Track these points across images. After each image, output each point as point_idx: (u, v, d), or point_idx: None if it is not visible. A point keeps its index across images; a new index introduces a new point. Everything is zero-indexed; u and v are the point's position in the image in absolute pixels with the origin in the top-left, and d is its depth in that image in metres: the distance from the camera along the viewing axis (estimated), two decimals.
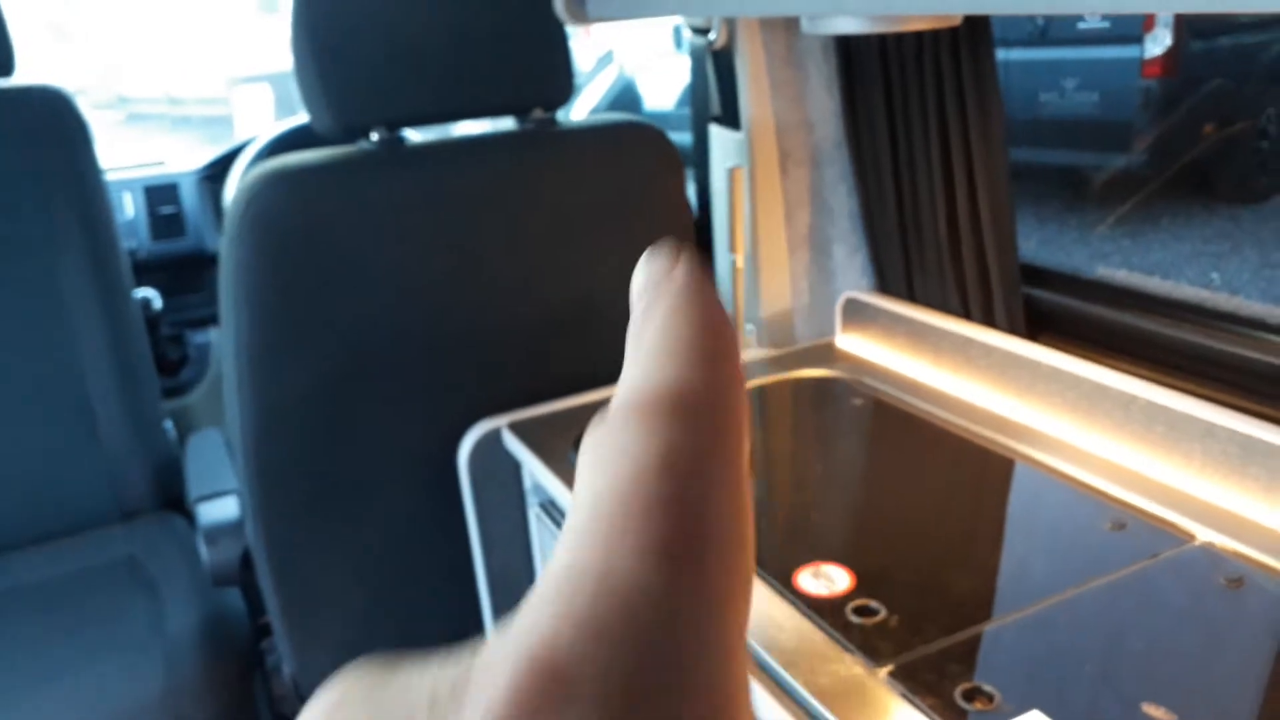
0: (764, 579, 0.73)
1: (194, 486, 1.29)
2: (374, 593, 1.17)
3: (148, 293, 1.79)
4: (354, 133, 1.05)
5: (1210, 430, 0.79)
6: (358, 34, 1.02)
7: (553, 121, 1.13)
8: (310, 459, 1.08)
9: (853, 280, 1.21)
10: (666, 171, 1.17)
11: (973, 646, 0.64)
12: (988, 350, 0.99)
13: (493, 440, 1.07)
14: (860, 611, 0.68)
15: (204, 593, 1.33)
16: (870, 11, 0.61)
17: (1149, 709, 0.56)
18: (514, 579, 1.12)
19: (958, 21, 0.89)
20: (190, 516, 1.50)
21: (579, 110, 4.51)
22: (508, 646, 0.13)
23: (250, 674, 1.27)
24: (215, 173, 2.01)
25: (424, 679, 0.14)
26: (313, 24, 1.01)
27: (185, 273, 2.00)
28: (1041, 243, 4.62)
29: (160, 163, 2.10)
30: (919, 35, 1.02)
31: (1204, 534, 0.74)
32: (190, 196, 2.00)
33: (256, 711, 1.27)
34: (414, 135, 1.27)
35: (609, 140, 1.16)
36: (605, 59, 4.73)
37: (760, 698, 0.63)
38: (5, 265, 1.46)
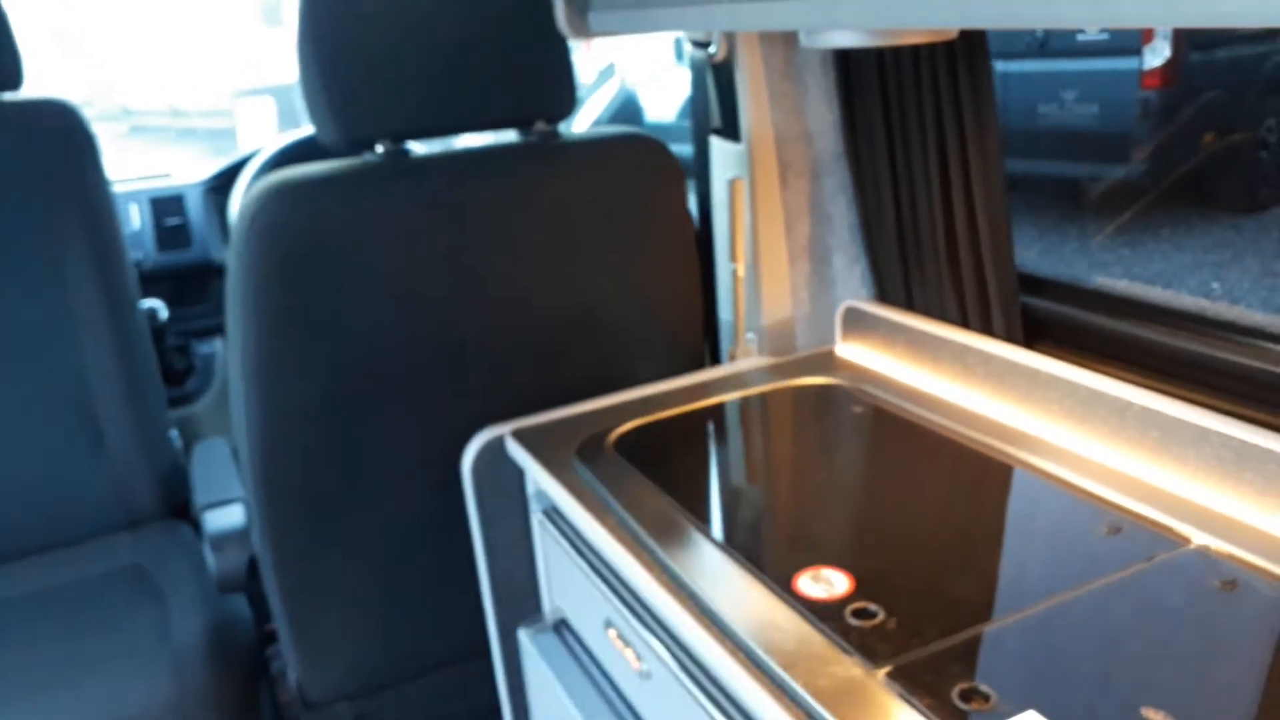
0: (764, 583, 0.74)
1: (200, 494, 1.31)
2: (379, 599, 1.18)
3: (154, 303, 1.81)
4: (359, 145, 1.07)
5: (1204, 435, 0.80)
6: (362, 48, 1.04)
7: (555, 134, 1.15)
8: (316, 467, 1.09)
9: (852, 289, 1.23)
10: (667, 183, 1.19)
11: (970, 648, 0.65)
12: (986, 358, 1.00)
13: (496, 448, 1.08)
14: (859, 614, 0.69)
15: (210, 600, 1.34)
16: (865, 25, 0.63)
17: (1148, 712, 0.57)
18: (517, 586, 1.13)
19: (954, 35, 0.90)
20: (196, 524, 1.51)
21: (581, 122, 4.55)
22: None
23: (256, 681, 1.28)
24: (220, 184, 2.03)
25: None
26: (318, 38, 1.03)
27: (191, 283, 2.02)
28: (1043, 252, 4.64)
29: (166, 175, 2.13)
30: (916, 49, 1.04)
31: (1199, 537, 0.75)
32: (196, 208, 2.02)
33: (262, 718, 1.28)
34: (418, 147, 1.29)
35: (610, 152, 1.17)
36: (607, 72, 4.76)
37: (761, 699, 0.64)
38: (13, 277, 1.47)
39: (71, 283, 1.49)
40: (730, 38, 1.18)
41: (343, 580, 1.16)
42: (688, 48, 1.28)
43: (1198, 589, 0.70)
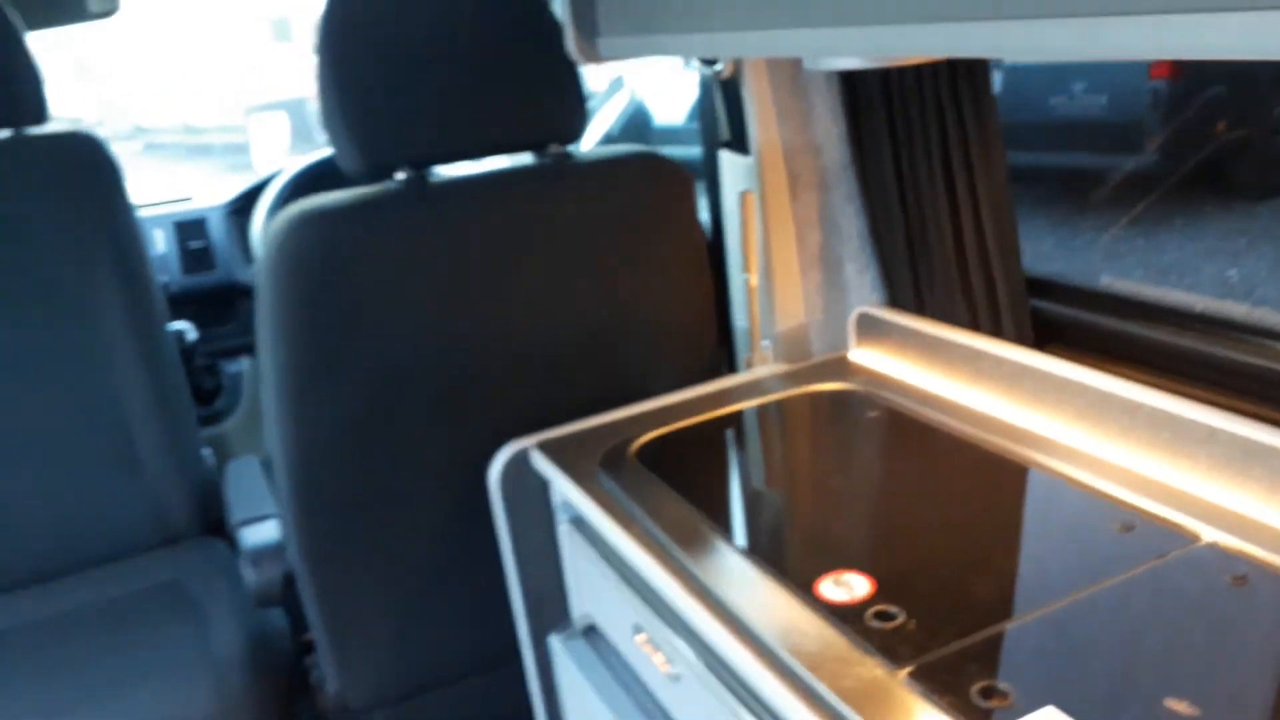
0: (786, 587, 0.76)
1: (235, 511, 1.34)
2: (413, 608, 1.22)
3: (182, 325, 1.85)
4: (380, 172, 1.10)
5: (1214, 434, 0.82)
6: (382, 77, 1.08)
7: (568, 155, 1.18)
8: (349, 483, 1.13)
9: (864, 297, 1.25)
10: (677, 198, 1.22)
11: (989, 647, 0.67)
12: (998, 361, 1.02)
13: (521, 461, 1.11)
14: (880, 616, 0.72)
15: (247, 614, 1.38)
16: (867, 54, 0.65)
17: (1171, 703, 0.60)
18: (547, 594, 1.16)
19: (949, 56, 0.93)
20: (230, 541, 1.55)
21: (593, 132, 4.59)
22: None
23: (295, 690, 1.32)
24: (242, 206, 2.08)
25: None
26: (338, 68, 1.07)
27: (216, 304, 2.06)
28: (1056, 245, 4.64)
29: (188, 198, 2.17)
30: (918, 63, 1.06)
31: (1209, 534, 0.78)
32: (219, 230, 2.07)
33: None
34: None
35: (622, 171, 1.20)
36: (616, 84, 4.81)
37: (788, 700, 0.66)
38: (46, 305, 1.52)
39: (102, 308, 1.54)
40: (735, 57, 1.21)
41: (377, 591, 1.19)
42: (696, 65, 1.30)
43: (1210, 584, 0.72)
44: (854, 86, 1.16)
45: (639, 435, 1.07)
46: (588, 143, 1.21)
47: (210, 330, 2.02)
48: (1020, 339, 1.06)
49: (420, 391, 1.13)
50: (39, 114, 1.51)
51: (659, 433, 1.08)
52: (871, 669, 0.66)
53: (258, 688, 1.26)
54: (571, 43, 1.01)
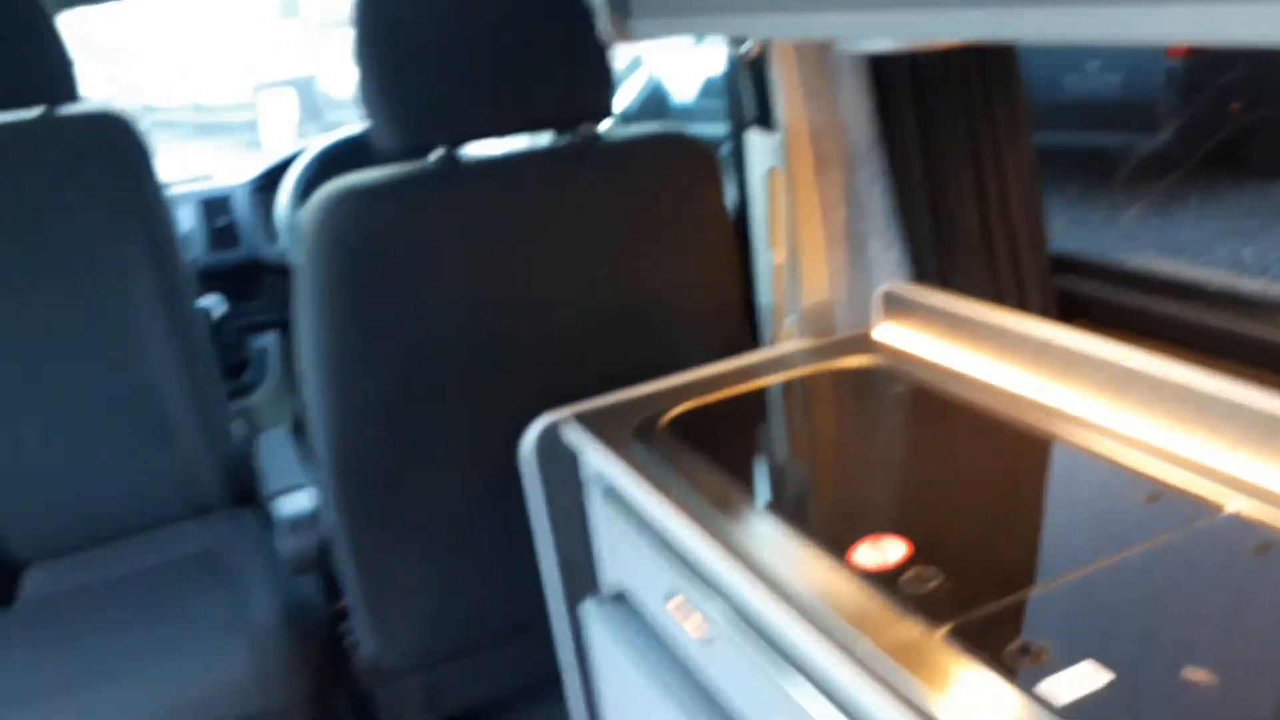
0: (821, 551, 0.79)
1: (270, 482, 1.38)
2: (447, 575, 1.25)
3: (210, 301, 1.88)
4: (416, 150, 1.12)
5: (1238, 408, 0.84)
6: (418, 57, 1.09)
7: (597, 134, 1.20)
8: (386, 454, 1.16)
9: (888, 274, 1.27)
10: (704, 177, 1.24)
11: (1023, 609, 0.70)
12: (1023, 337, 1.04)
13: (553, 433, 1.14)
14: (915, 580, 0.74)
15: (281, 581, 1.41)
16: (900, 38, 0.67)
17: (1190, 673, 0.62)
18: (577, 562, 1.19)
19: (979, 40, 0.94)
20: (261, 511, 1.58)
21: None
22: None
23: (330, 657, 1.35)
24: (265, 184, 2.10)
25: None
26: (376, 48, 1.09)
27: (241, 281, 2.09)
28: (1071, 222, 4.63)
29: (208, 176, 2.20)
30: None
31: (1233, 504, 0.80)
32: (243, 208, 2.09)
33: (338, 691, 1.35)
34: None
35: (649, 151, 1.22)
36: (635, 63, 4.83)
37: (826, 658, 0.69)
38: (78, 282, 1.55)
39: (133, 284, 1.57)
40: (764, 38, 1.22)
41: (412, 558, 1.22)
42: (723, 44, 1.32)
43: (1233, 554, 0.74)
44: (881, 66, 1.17)
45: (668, 409, 1.10)
46: (606, 121, 1.23)
47: (236, 306, 2.05)
48: (1045, 315, 1.08)
49: (455, 366, 1.16)
50: (70, 93, 1.53)
51: (689, 406, 1.10)
52: (910, 628, 0.69)
53: (294, 652, 1.29)
54: (604, 22, 1.03)
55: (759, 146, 1.27)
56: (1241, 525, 0.78)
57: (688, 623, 0.96)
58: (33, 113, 1.54)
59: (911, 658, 0.66)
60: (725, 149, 1.58)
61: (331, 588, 1.42)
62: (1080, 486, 0.86)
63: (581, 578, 1.20)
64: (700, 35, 0.93)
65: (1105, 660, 0.64)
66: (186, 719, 1.24)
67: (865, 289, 1.27)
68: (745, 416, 1.09)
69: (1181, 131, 4.74)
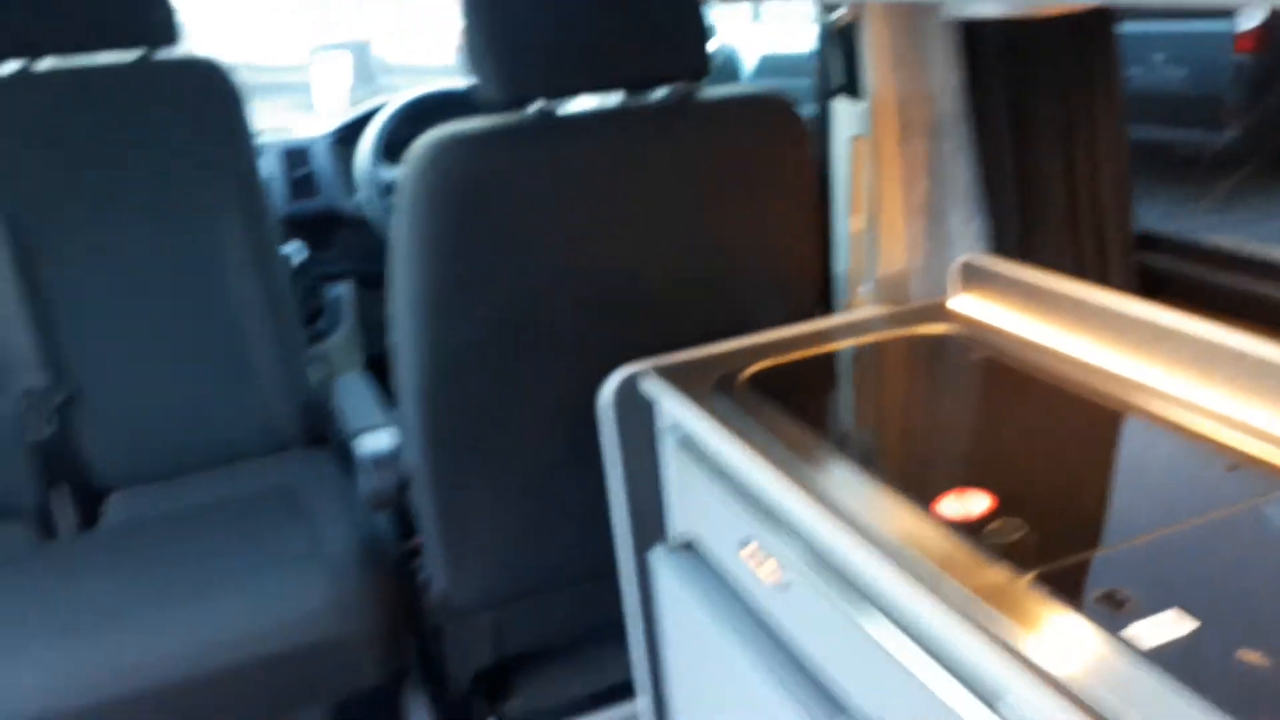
0: (906, 501, 0.82)
1: (351, 421, 1.43)
2: (518, 519, 1.30)
3: (292, 247, 1.94)
4: (516, 102, 1.15)
5: None
6: (523, 11, 1.12)
7: (692, 93, 1.22)
8: (472, 397, 1.20)
9: (967, 246, 1.28)
10: (795, 142, 1.26)
11: (1107, 562, 0.72)
12: (1104, 310, 1.06)
13: (631, 384, 1.17)
14: (999, 531, 0.77)
15: (355, 518, 1.47)
16: (1012, 1, 0.69)
17: (1244, 654, 0.64)
18: (648, 511, 1.22)
19: (1094, 2, 0.95)
20: (334, 452, 1.64)
21: None
22: None
23: (403, 592, 1.41)
24: (345, 137, 2.15)
25: None
26: (482, 5, 1.12)
27: (318, 231, 2.15)
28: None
29: (288, 128, 2.25)
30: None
31: None
32: (322, 159, 2.15)
33: (409, 623, 1.41)
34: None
35: (742, 111, 1.24)
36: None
37: (913, 600, 0.72)
38: (171, 221, 1.61)
39: (223, 227, 1.62)
40: (858, 2, 1.23)
41: (488, 500, 1.27)
42: (816, 10, 1.33)
43: None
44: (973, 36, 1.18)
45: (746, 366, 1.13)
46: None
47: (312, 255, 2.10)
48: (1126, 291, 1.09)
49: (542, 314, 1.20)
50: (169, 36, 1.59)
51: (768, 364, 1.13)
52: (996, 573, 0.71)
53: (369, 584, 1.35)
54: None
55: (844, 114, 1.28)
56: None
57: (762, 569, 0.99)
58: (132, 55, 1.60)
59: (998, 600, 0.69)
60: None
61: (403, 527, 1.47)
62: (1160, 454, 0.88)
63: (650, 526, 1.24)
64: None
65: (1191, 611, 0.66)
66: (263, 642, 1.30)
67: (941, 261, 1.29)
68: (824, 376, 1.12)
69: (1248, 128, 4.64)
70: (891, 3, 1.16)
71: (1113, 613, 0.67)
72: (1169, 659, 0.62)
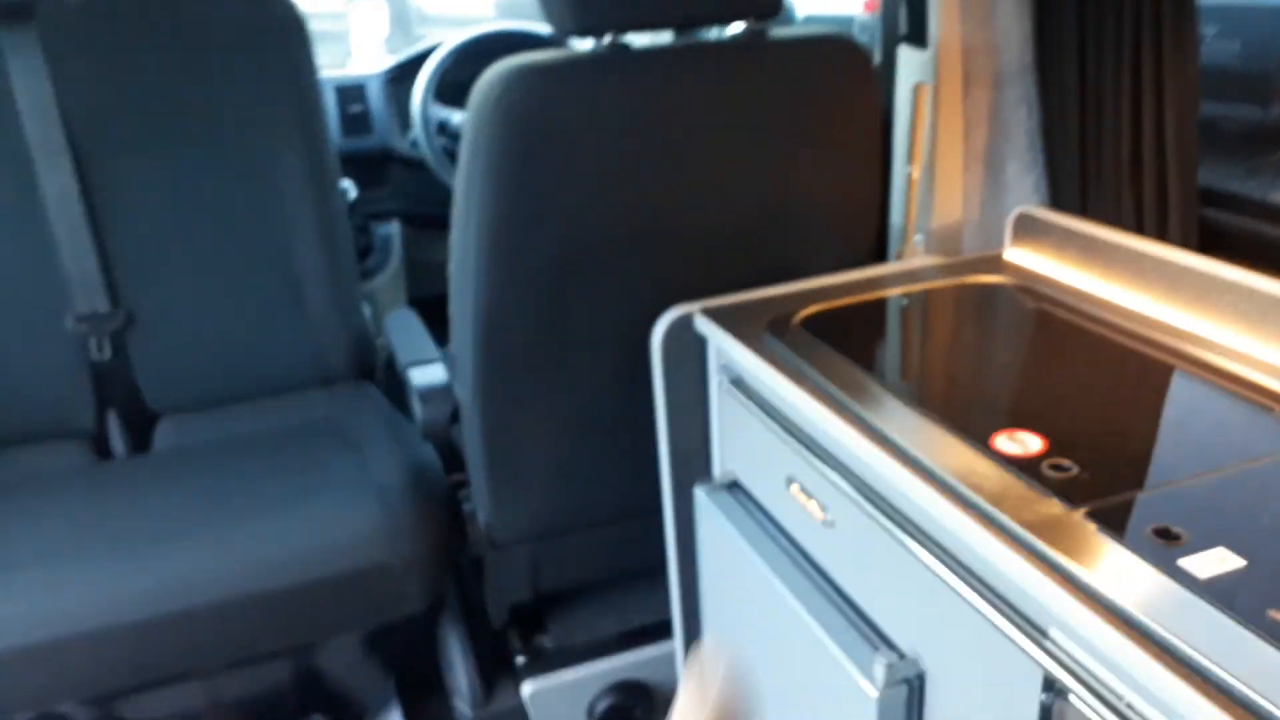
0: (961, 438, 0.83)
1: (403, 354, 1.45)
2: (567, 453, 1.32)
3: (346, 183, 1.95)
4: (586, 34, 1.15)
5: None
6: None
7: (762, 32, 1.21)
8: (528, 329, 1.22)
9: (1023, 198, 1.28)
10: (862, 86, 1.25)
11: (1159, 499, 0.73)
12: (1160, 263, 1.06)
13: (683, 324, 1.19)
14: (1054, 468, 0.78)
15: (402, 449, 1.50)
16: None
17: (1275, 613, 0.64)
18: (693, 450, 1.25)
19: None
20: (382, 386, 1.67)
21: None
22: None
23: (447, 523, 1.44)
24: (399, 76, 2.15)
25: None
26: None
27: (369, 170, 2.16)
28: None
29: (343, 64, 2.26)
30: None
31: None
32: (377, 97, 2.16)
33: (455, 552, 1.45)
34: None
35: (812, 52, 1.23)
36: None
37: (970, 531, 0.74)
38: (233, 149, 1.62)
39: (283, 162, 1.64)
40: None
41: (537, 434, 1.29)
42: None
43: None
44: None
45: (799, 310, 1.14)
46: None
47: (364, 194, 2.12)
48: (1185, 245, 1.09)
49: (599, 250, 1.21)
50: None
51: (821, 307, 1.14)
52: (1050, 507, 0.73)
53: (417, 512, 1.38)
54: None
55: (908, 62, 1.28)
56: None
57: (809, 505, 1.01)
58: None
59: (1052, 532, 0.70)
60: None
61: (449, 462, 1.50)
62: (1212, 401, 0.88)
63: (695, 465, 1.26)
64: None
65: (1239, 550, 0.67)
66: (313, 564, 1.33)
67: (997, 213, 1.29)
68: (877, 321, 1.13)
69: None
70: None
71: (1165, 546, 0.68)
72: (1221, 592, 0.63)
